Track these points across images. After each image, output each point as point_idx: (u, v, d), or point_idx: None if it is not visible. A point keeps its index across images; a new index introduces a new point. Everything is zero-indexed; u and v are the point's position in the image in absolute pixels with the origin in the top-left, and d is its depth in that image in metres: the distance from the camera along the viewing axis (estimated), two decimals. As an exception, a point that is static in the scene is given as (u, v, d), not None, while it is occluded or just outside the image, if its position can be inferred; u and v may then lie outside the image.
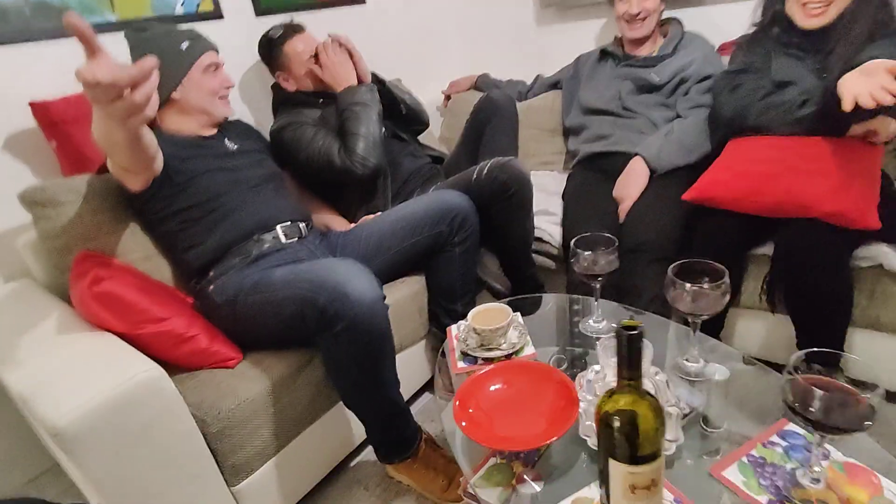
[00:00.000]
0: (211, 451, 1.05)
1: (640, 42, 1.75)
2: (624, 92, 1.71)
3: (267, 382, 1.13)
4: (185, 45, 1.29)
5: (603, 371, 0.87)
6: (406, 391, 1.44)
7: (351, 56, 1.59)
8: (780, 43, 1.36)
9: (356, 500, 1.29)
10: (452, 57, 2.51)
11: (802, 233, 1.16)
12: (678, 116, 1.65)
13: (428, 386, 1.60)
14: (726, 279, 0.84)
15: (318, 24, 1.90)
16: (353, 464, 1.40)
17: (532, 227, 1.54)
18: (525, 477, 0.79)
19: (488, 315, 1.06)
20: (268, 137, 1.59)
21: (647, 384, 0.81)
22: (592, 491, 0.75)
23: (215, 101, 1.35)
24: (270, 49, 1.61)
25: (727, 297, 0.84)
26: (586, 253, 1.01)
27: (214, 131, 1.41)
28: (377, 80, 1.67)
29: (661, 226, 1.40)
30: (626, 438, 0.59)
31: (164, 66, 1.21)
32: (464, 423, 0.83)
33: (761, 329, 1.39)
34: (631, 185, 1.52)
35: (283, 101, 1.65)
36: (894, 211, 1.23)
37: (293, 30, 1.61)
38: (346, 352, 1.06)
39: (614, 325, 1.09)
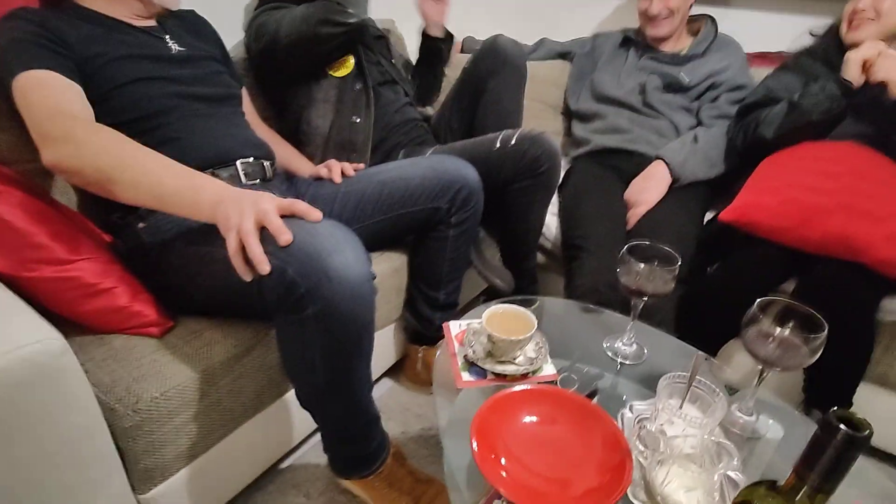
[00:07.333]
0: (118, 450, 0.77)
1: (661, 40, 1.60)
2: (650, 87, 1.55)
3: (205, 364, 0.86)
4: None
5: (658, 419, 0.70)
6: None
7: None
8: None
9: (291, 511, 1.07)
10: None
11: (836, 274, 1.07)
12: (699, 123, 1.53)
13: (389, 373, 1.39)
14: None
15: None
16: (287, 464, 1.16)
17: (545, 215, 1.36)
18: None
19: (506, 320, 0.86)
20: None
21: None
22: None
23: None
24: None
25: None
26: (641, 265, 0.83)
27: (152, 22, 1.07)
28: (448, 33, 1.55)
29: (677, 241, 1.26)
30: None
31: None
32: (503, 475, 0.63)
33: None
34: (650, 190, 1.37)
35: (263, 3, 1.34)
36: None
37: None
38: (313, 343, 0.80)
39: (646, 350, 0.93)
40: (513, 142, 1.22)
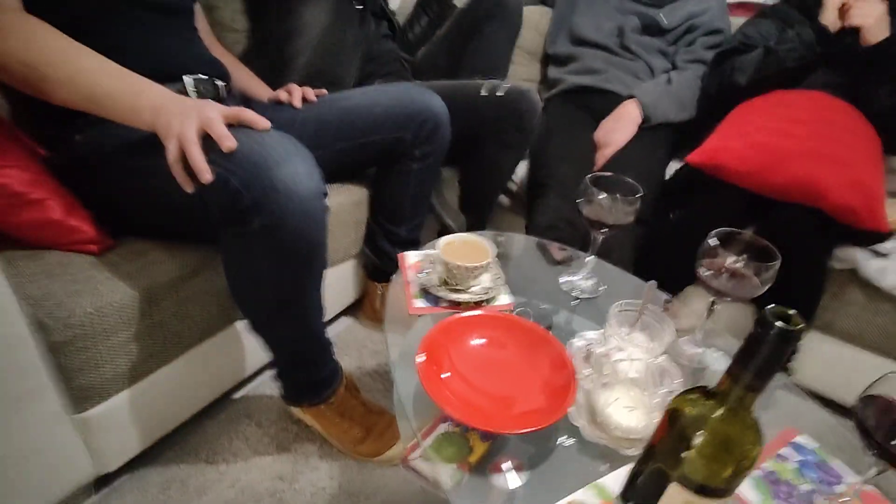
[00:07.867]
0: (52, 366, 0.74)
1: None
2: (627, 29, 1.51)
3: (147, 283, 0.82)
4: None
5: (605, 345, 0.70)
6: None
7: None
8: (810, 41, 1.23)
9: (244, 438, 1.05)
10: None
11: (792, 219, 1.08)
12: (674, 67, 1.50)
13: (348, 311, 1.37)
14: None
15: None
16: (240, 394, 1.15)
17: (514, 169, 1.36)
18: (503, 466, 0.61)
19: (463, 248, 0.85)
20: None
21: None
22: (589, 497, 0.59)
23: None
24: None
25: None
26: (602, 196, 0.81)
27: None
28: None
29: (641, 182, 1.25)
30: (707, 462, 0.42)
31: None
32: (447, 392, 0.62)
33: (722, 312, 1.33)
34: (619, 130, 1.35)
35: None
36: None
37: None
38: (260, 259, 0.76)
39: (602, 286, 0.93)
40: (500, 92, 1.20)
